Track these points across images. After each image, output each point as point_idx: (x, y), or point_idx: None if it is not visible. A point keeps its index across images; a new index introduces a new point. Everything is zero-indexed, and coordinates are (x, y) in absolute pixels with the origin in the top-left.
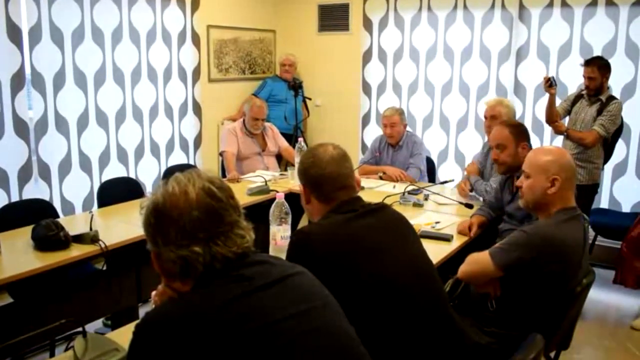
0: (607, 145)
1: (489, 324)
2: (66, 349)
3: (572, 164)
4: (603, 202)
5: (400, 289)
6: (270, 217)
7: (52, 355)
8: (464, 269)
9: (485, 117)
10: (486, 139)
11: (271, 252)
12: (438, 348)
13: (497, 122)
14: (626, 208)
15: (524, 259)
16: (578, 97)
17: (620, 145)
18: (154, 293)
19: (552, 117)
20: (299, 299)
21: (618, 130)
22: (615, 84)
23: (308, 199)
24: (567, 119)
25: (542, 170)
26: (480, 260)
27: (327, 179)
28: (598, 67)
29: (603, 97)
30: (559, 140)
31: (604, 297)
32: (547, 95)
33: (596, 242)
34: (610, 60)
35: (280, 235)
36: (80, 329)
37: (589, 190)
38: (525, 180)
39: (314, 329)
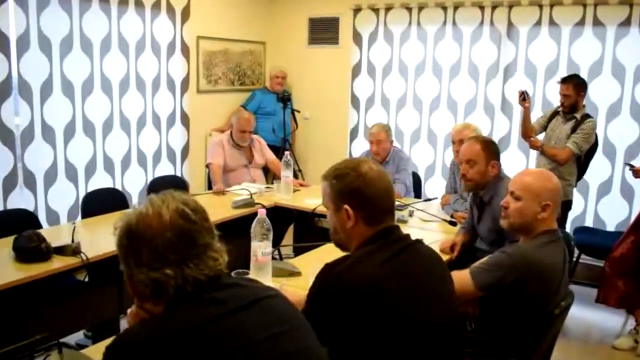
0: (581, 163)
1: (467, 344)
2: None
3: (561, 188)
4: (588, 220)
5: (431, 333)
6: (251, 233)
7: None
8: None
9: (453, 142)
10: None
11: (252, 269)
12: None
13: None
14: (610, 227)
15: (505, 280)
16: (554, 113)
17: (605, 164)
18: (129, 311)
19: (526, 132)
20: (273, 321)
21: (592, 148)
22: (601, 103)
23: (355, 224)
24: (543, 134)
25: (535, 196)
26: (460, 279)
27: (379, 198)
28: (574, 85)
29: (578, 115)
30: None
31: (586, 315)
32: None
33: (580, 260)
34: (596, 80)
35: (261, 251)
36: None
37: (562, 206)
38: (514, 202)
39: (288, 352)
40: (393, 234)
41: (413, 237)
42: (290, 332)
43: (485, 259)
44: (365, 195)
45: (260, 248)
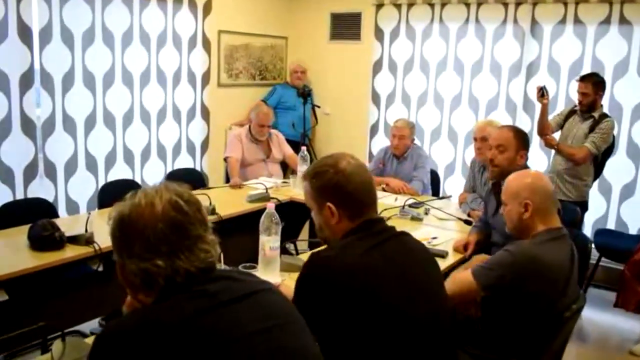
0: (597, 163)
1: (475, 346)
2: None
3: (546, 186)
4: (610, 223)
5: (413, 322)
6: (260, 227)
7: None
8: (447, 287)
9: (475, 139)
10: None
11: (260, 263)
12: None
13: (487, 144)
14: (633, 230)
15: (507, 278)
16: (571, 112)
17: (629, 166)
18: (125, 301)
19: (543, 129)
20: (265, 316)
21: (609, 148)
22: (626, 103)
23: (339, 221)
24: (558, 133)
25: (514, 196)
26: (463, 279)
27: (361, 193)
28: (592, 83)
29: (596, 114)
30: None
31: (604, 320)
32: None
33: (600, 264)
34: (621, 80)
35: (269, 245)
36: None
37: (578, 207)
38: (503, 207)
39: (278, 347)
40: (375, 226)
41: (425, 235)
42: (285, 326)
43: (489, 258)
44: (346, 190)
45: (269, 242)
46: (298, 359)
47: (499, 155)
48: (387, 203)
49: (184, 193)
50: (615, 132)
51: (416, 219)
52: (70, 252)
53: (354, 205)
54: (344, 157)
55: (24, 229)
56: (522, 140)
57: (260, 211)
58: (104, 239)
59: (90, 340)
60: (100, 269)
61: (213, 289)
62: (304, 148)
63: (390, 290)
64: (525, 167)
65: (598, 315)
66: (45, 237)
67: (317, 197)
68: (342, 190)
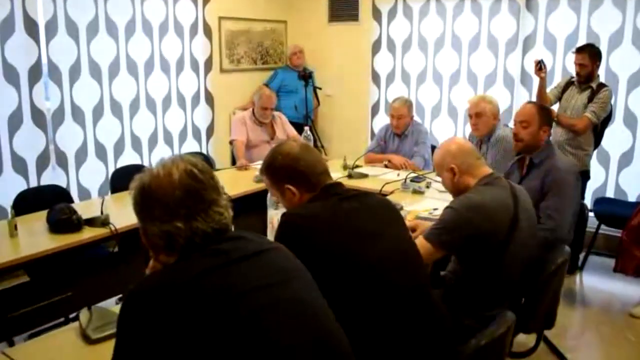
0: (597, 132)
1: (467, 303)
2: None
3: (462, 146)
4: (609, 191)
5: (381, 271)
6: (267, 202)
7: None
8: None
9: (470, 116)
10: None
11: (269, 235)
12: (418, 330)
13: (483, 119)
14: (632, 197)
15: (456, 231)
16: (568, 84)
17: (626, 135)
18: (149, 264)
19: (542, 102)
20: (271, 272)
21: (607, 118)
22: (622, 73)
23: (301, 197)
24: (557, 105)
25: (440, 166)
26: (419, 245)
27: (310, 167)
28: (589, 54)
29: (593, 85)
30: None
31: (605, 285)
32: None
33: (599, 231)
34: (617, 50)
35: (276, 219)
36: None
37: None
38: (442, 180)
39: (282, 300)
40: (333, 189)
41: (426, 207)
42: (287, 282)
43: (437, 219)
44: (297, 169)
45: (277, 216)
46: (301, 309)
47: (522, 130)
48: (390, 178)
49: (198, 163)
50: (612, 101)
51: (418, 192)
52: (88, 234)
53: (308, 179)
54: (287, 143)
55: (42, 214)
56: (544, 116)
57: (267, 191)
58: (119, 221)
59: (116, 308)
60: (116, 250)
61: (226, 247)
62: (307, 128)
63: (347, 238)
64: (548, 142)
65: (599, 281)
66: (64, 220)
67: (276, 183)
68: (294, 169)
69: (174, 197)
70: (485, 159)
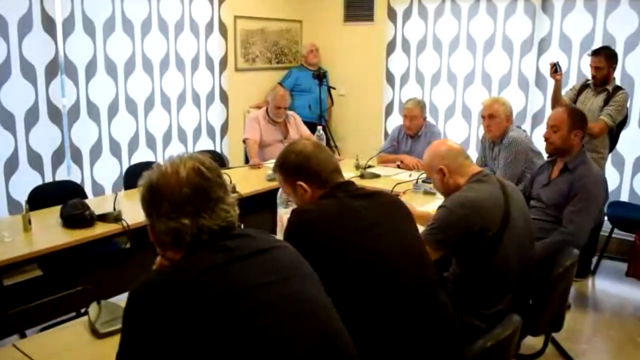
0: (612, 135)
1: (465, 301)
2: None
3: (450, 147)
4: (623, 195)
5: (387, 269)
6: (277, 200)
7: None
8: None
9: (483, 117)
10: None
11: (278, 233)
12: (422, 329)
13: (495, 121)
14: None
15: (451, 230)
16: (584, 86)
17: None
18: (156, 260)
19: (556, 104)
20: (273, 270)
21: (623, 121)
22: (638, 76)
23: (313, 194)
24: None
25: (430, 169)
26: None
27: (322, 164)
28: (605, 57)
29: (609, 87)
30: None
31: (617, 289)
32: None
33: (612, 235)
34: (633, 53)
35: (286, 217)
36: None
37: None
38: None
39: (282, 297)
40: (344, 187)
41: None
42: (289, 279)
43: (432, 220)
44: (309, 167)
45: (286, 214)
46: (301, 307)
47: (553, 134)
48: (402, 178)
49: (206, 161)
50: (628, 104)
51: (428, 193)
52: (100, 229)
53: (319, 176)
54: (300, 142)
55: (56, 209)
56: (575, 120)
57: (279, 189)
58: (131, 217)
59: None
60: (128, 245)
61: (232, 244)
62: (319, 127)
63: (363, 235)
64: (582, 146)
65: (611, 285)
66: (77, 215)
67: (289, 180)
68: (306, 167)
69: (181, 195)
70: (498, 161)
